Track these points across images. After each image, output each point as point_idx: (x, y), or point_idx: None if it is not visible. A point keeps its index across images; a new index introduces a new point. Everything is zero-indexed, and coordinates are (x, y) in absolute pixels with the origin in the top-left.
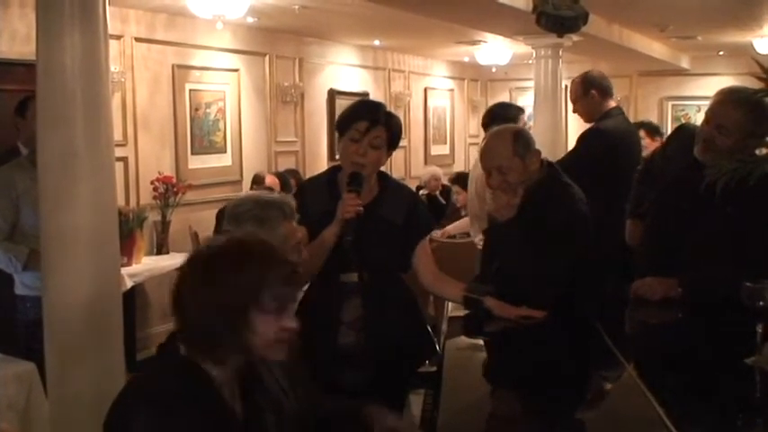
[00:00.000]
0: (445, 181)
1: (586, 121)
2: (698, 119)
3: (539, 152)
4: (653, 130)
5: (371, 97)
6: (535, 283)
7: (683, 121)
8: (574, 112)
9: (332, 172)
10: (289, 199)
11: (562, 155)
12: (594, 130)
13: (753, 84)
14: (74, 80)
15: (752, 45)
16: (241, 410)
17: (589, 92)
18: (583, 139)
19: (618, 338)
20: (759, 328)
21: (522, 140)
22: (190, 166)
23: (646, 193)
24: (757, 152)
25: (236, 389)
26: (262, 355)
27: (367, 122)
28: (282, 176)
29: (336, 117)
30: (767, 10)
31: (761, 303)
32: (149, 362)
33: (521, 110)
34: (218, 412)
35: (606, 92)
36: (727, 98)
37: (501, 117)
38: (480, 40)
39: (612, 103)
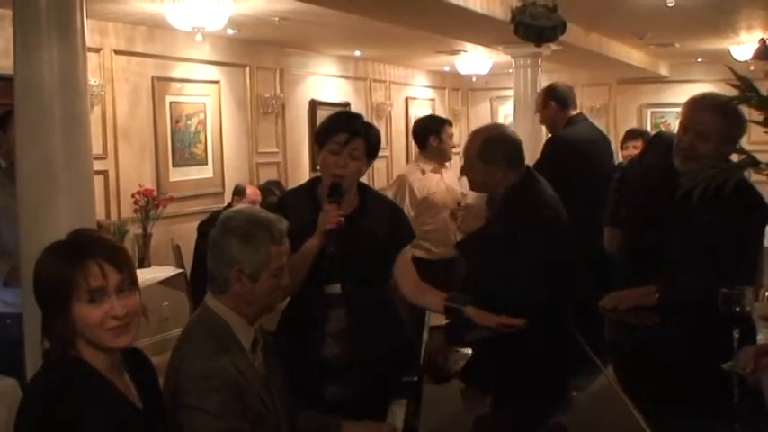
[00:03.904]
0: None
1: (549, 131)
2: (677, 126)
3: (505, 166)
4: None
5: (353, 107)
6: (503, 287)
7: (663, 129)
8: (540, 122)
9: (312, 183)
10: (281, 222)
11: None
12: (554, 139)
13: (728, 91)
14: (51, 94)
15: (729, 52)
16: (139, 402)
17: (548, 103)
18: (545, 148)
19: (596, 345)
20: (735, 334)
21: (490, 148)
22: (171, 179)
23: (623, 201)
24: (734, 158)
25: (133, 388)
26: (98, 342)
27: (346, 134)
28: (268, 189)
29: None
30: (742, 17)
31: (737, 309)
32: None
33: (446, 121)
34: (107, 396)
35: (566, 103)
36: (702, 105)
37: (426, 128)
38: (460, 50)
39: (574, 112)
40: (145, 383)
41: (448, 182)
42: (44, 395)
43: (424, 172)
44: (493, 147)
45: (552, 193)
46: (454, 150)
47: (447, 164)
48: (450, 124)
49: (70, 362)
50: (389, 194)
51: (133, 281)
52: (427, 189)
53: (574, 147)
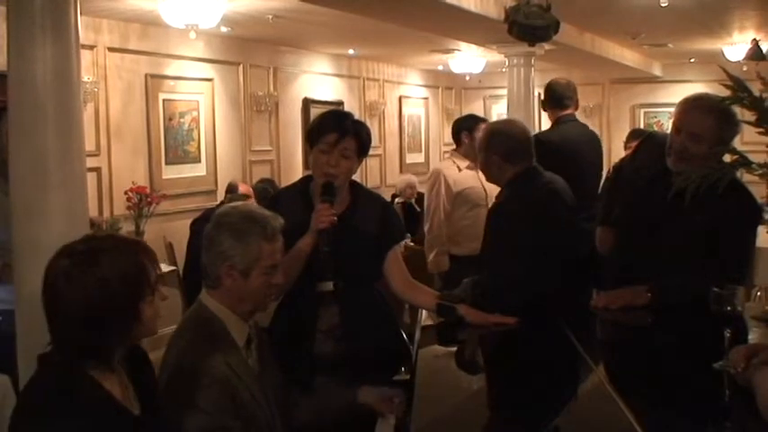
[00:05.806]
0: (420, 189)
1: None
2: (670, 126)
3: (500, 160)
4: None
5: (346, 106)
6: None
7: (655, 129)
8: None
9: (305, 182)
10: (275, 220)
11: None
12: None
13: (721, 91)
14: (45, 91)
15: (722, 52)
16: (138, 406)
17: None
18: None
19: (588, 344)
20: (727, 334)
21: (489, 140)
22: (164, 176)
23: (616, 201)
24: (727, 158)
25: (130, 387)
26: (148, 334)
27: (336, 134)
28: (262, 189)
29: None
30: (735, 18)
31: (728, 309)
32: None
33: (480, 120)
34: (103, 409)
35: (555, 102)
36: (695, 105)
37: (460, 125)
38: (454, 49)
39: (566, 112)
40: (143, 382)
41: (485, 179)
42: (39, 407)
43: (459, 168)
44: (492, 140)
45: (545, 194)
46: None
47: None
48: (483, 121)
49: (70, 371)
50: (426, 188)
51: None
52: (463, 184)
53: (550, 147)
